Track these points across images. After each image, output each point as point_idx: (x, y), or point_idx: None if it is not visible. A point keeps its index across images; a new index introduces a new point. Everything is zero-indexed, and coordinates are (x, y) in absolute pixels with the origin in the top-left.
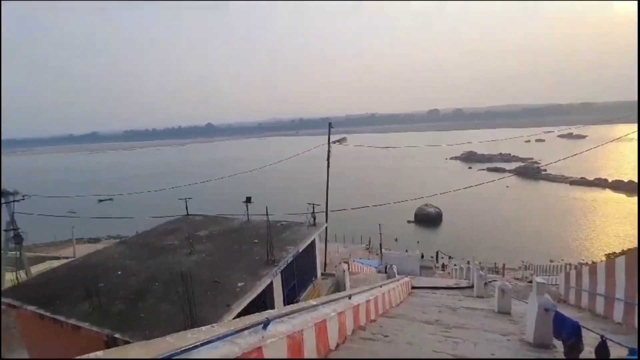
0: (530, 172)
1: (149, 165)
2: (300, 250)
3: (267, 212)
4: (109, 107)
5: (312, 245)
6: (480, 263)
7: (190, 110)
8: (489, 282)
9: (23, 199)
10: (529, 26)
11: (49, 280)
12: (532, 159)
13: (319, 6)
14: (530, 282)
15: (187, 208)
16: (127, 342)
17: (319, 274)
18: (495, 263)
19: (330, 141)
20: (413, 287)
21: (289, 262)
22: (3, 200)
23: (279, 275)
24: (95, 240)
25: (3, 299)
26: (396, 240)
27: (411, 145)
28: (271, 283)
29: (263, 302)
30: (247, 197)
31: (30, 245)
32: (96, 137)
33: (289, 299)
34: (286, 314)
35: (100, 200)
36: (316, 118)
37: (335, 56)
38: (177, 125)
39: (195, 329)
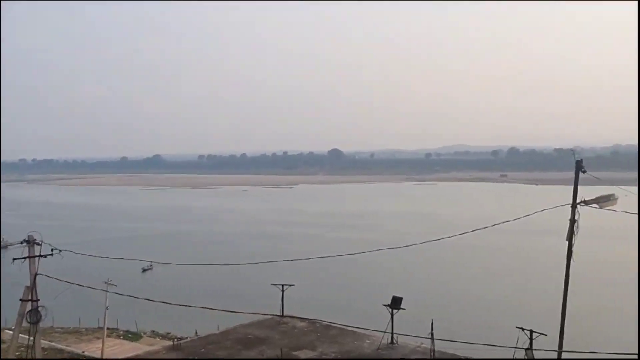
0: None
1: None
2: None
3: (432, 330)
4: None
5: None
6: None
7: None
8: None
9: (52, 254)
10: None
11: None
12: None
13: None
14: None
15: (282, 301)
16: None
17: None
18: None
19: (579, 199)
20: None
21: None
22: (27, 254)
23: None
24: (135, 337)
25: None
26: None
27: None
28: None
29: None
30: (392, 298)
31: (49, 328)
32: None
33: None
34: None
35: (145, 270)
36: (539, 148)
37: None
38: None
39: None
